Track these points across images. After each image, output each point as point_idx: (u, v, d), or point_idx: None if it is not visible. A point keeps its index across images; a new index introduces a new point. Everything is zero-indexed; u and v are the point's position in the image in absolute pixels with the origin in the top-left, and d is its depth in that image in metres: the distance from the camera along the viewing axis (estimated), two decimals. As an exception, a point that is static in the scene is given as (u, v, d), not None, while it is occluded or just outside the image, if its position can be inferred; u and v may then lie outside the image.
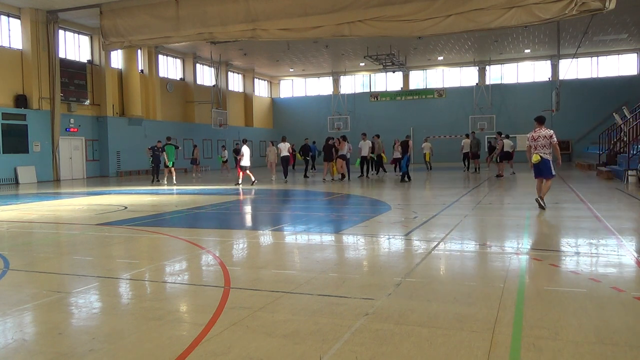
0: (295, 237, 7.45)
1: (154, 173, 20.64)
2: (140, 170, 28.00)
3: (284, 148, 19.87)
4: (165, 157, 19.51)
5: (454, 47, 32.33)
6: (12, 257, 6.09)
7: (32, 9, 21.98)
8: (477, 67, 36.85)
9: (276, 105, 43.51)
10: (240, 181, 17.99)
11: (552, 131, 9.52)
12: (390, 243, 6.73)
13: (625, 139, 18.90)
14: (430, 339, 3.21)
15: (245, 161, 17.84)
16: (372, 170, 22.49)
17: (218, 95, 33.66)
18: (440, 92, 38.34)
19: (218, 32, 17.49)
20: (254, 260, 5.97)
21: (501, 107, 36.17)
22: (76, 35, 25.53)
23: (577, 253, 5.79)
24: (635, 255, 5.67)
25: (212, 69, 34.24)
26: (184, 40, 19.06)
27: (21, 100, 22.23)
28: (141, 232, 7.89)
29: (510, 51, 33.53)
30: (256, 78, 40.77)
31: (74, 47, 25.51)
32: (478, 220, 8.73)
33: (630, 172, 15.06)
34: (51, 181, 22.91)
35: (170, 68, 32.33)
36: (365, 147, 20.87)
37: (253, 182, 18.22)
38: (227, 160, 27.20)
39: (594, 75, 34.88)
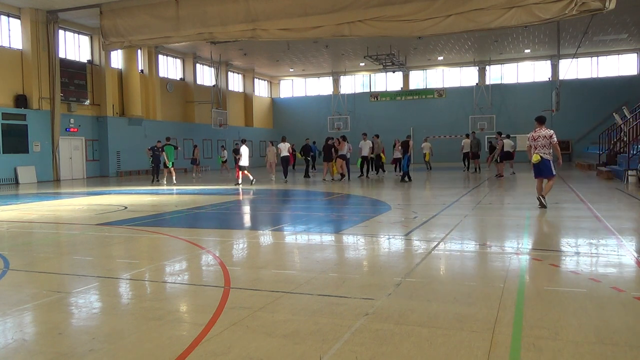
0: (295, 237, 7.45)
1: (154, 173, 20.64)
2: (140, 170, 28.01)
3: (284, 148, 19.89)
4: (165, 158, 19.52)
5: (454, 47, 32.33)
6: (12, 257, 6.09)
7: (32, 9, 21.98)
8: (477, 67, 36.85)
9: (276, 105, 43.51)
10: (240, 181, 18.00)
11: (552, 131, 9.54)
12: (390, 243, 6.73)
13: (625, 139, 18.90)
14: (430, 339, 3.21)
15: (244, 161, 17.87)
16: (372, 170, 22.50)
17: (218, 95, 33.66)
18: (440, 92, 38.35)
19: (218, 32, 17.49)
20: (254, 260, 5.97)
21: (501, 107, 36.17)
22: (76, 35, 25.53)
23: (577, 253, 5.79)
24: (635, 255, 5.67)
25: (212, 69, 34.24)
26: (184, 40, 19.06)
27: (21, 100, 22.23)
28: (141, 232, 7.89)
29: (510, 51, 33.53)
30: (256, 78, 40.78)
31: (74, 47, 25.51)
32: (478, 220, 8.73)
33: (630, 172, 15.06)
34: (51, 181, 22.91)
35: (170, 68, 32.33)
36: (365, 147, 20.88)
37: (252, 181, 18.26)
38: (226, 160, 27.20)
39: (594, 75, 34.88)
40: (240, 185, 17.60)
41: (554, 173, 9.73)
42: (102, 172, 26.50)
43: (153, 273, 5.29)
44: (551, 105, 25.90)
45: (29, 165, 22.22)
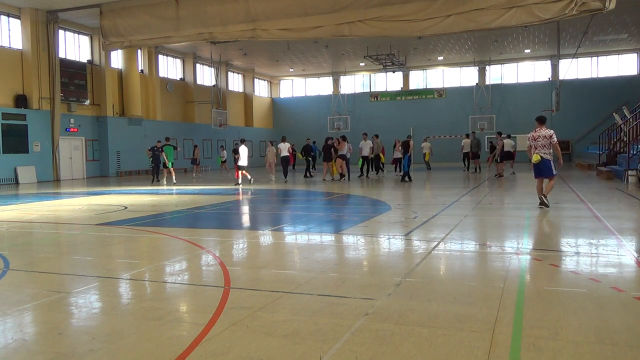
0: (295, 237, 7.45)
1: (154, 173, 20.64)
2: (140, 170, 28.00)
3: (284, 148, 19.89)
4: (165, 158, 19.52)
5: (454, 47, 32.33)
6: (12, 257, 6.09)
7: (32, 9, 21.98)
8: (477, 67, 36.85)
9: (276, 105, 43.51)
10: (240, 181, 18.01)
11: (552, 131, 9.56)
12: (390, 243, 6.73)
13: (625, 139, 18.90)
14: (430, 339, 3.21)
15: (243, 161, 17.90)
16: (372, 170, 22.51)
17: (218, 95, 33.66)
18: (440, 92, 38.35)
19: (218, 32, 17.49)
20: (254, 260, 5.97)
21: (501, 107, 36.17)
22: (76, 35, 25.53)
23: (577, 253, 5.79)
24: (635, 255, 5.67)
25: (212, 69, 34.24)
26: (184, 40, 19.06)
27: (21, 100, 22.23)
28: (141, 232, 7.89)
29: (510, 51, 33.53)
30: (256, 78, 40.78)
31: (74, 47, 25.51)
32: (478, 220, 8.73)
33: (630, 172, 15.06)
34: (51, 181, 22.91)
35: (170, 68, 32.33)
36: (366, 147, 20.89)
37: (250, 180, 18.29)
38: (225, 160, 27.21)
39: (594, 75, 34.88)
40: (240, 185, 17.61)
41: (555, 173, 9.74)
42: (102, 172, 26.50)
43: (153, 273, 5.29)
44: (551, 105, 25.90)
45: (29, 165, 22.22)
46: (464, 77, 38.05)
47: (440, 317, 3.63)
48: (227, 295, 4.29)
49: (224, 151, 27.75)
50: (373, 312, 3.75)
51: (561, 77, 30.73)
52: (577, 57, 32.46)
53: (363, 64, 36.73)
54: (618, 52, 33.94)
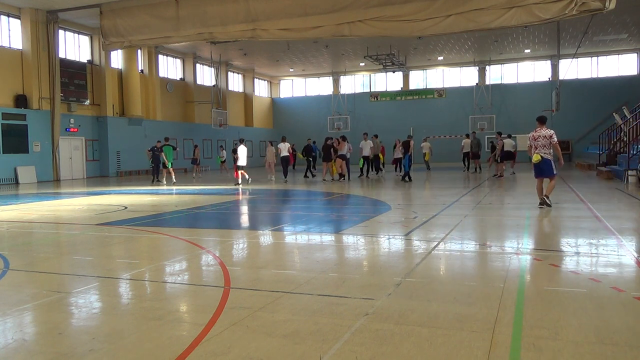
0: (295, 237, 7.45)
1: (154, 173, 20.65)
2: (140, 170, 28.00)
3: (284, 148, 19.89)
4: (164, 158, 19.53)
5: (454, 47, 32.32)
6: (12, 257, 6.09)
7: (32, 9, 21.98)
8: (477, 67, 36.85)
9: (276, 105, 43.51)
10: (239, 181, 18.02)
11: (552, 131, 9.56)
12: (390, 243, 6.73)
13: (625, 139, 18.90)
14: (430, 339, 3.21)
15: (242, 161, 17.91)
16: (372, 170, 22.51)
17: (218, 95, 33.66)
18: (440, 92, 38.35)
19: (218, 32, 17.49)
20: (254, 260, 5.97)
21: (501, 107, 36.17)
22: (76, 35, 25.53)
23: (577, 253, 5.79)
24: (635, 255, 5.67)
25: (212, 69, 34.24)
26: (184, 40, 19.06)
27: (21, 100, 22.23)
28: (141, 232, 7.89)
29: (510, 51, 33.53)
30: (256, 78, 40.78)
31: (74, 47, 25.51)
32: (478, 220, 8.73)
33: (630, 172, 15.06)
34: (51, 181, 22.91)
35: (170, 68, 32.33)
36: (366, 147, 20.89)
37: (248, 180, 18.32)
38: (225, 160, 27.21)
39: (594, 75, 34.88)
40: (240, 185, 17.61)
41: (555, 173, 9.74)
42: (102, 172, 26.49)
43: (153, 273, 5.29)
44: (551, 105, 25.89)
45: (29, 165, 22.22)
46: (464, 77, 38.05)
47: (440, 317, 3.63)
48: (227, 295, 4.29)
49: (224, 151, 27.75)
50: (373, 312, 3.75)
51: (561, 77, 30.73)
52: (577, 57, 32.46)
53: (363, 64, 36.73)
54: (618, 52, 33.94)
